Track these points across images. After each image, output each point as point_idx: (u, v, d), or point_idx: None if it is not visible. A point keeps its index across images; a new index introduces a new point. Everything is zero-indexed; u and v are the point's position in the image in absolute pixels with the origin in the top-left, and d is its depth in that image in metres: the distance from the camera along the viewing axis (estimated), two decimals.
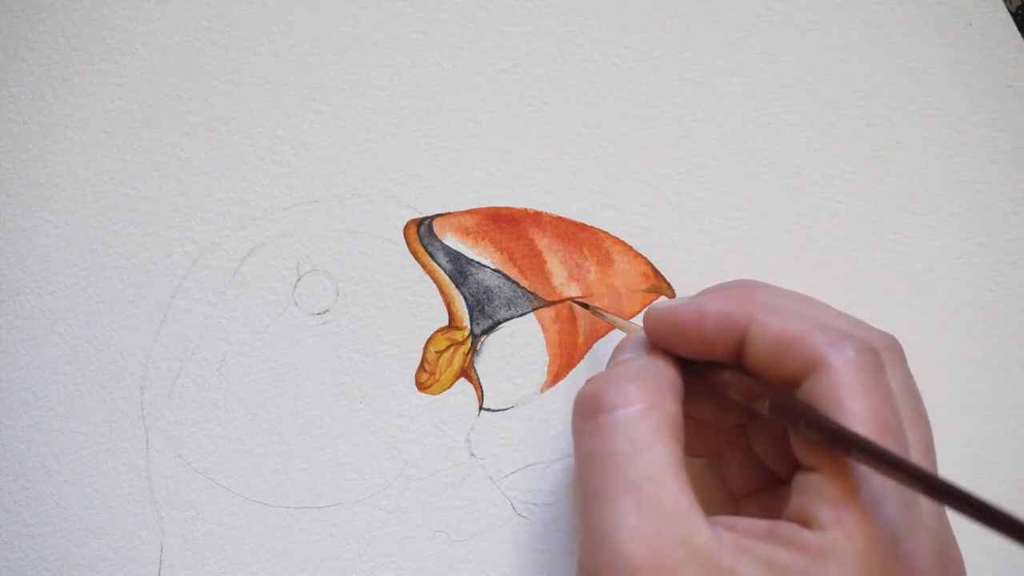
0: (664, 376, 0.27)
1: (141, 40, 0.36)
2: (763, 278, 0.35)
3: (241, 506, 0.35)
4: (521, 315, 0.35)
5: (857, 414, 0.24)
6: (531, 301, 0.35)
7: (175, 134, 0.36)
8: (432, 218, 0.35)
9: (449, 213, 0.35)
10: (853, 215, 0.35)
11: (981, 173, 0.36)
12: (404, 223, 0.35)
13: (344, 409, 0.34)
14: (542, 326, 0.35)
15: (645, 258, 0.35)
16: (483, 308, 0.34)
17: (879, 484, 0.24)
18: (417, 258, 0.35)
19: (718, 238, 0.35)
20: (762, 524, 0.25)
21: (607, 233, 0.35)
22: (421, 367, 0.35)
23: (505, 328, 0.35)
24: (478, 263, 0.34)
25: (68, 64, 0.36)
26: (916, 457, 0.25)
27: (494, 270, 0.34)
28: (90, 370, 0.35)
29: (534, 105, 0.36)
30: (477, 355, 0.35)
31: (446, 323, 0.35)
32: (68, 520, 0.35)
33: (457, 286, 0.34)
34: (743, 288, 0.28)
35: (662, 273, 0.35)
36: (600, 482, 0.25)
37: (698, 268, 0.35)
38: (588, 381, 0.27)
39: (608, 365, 0.30)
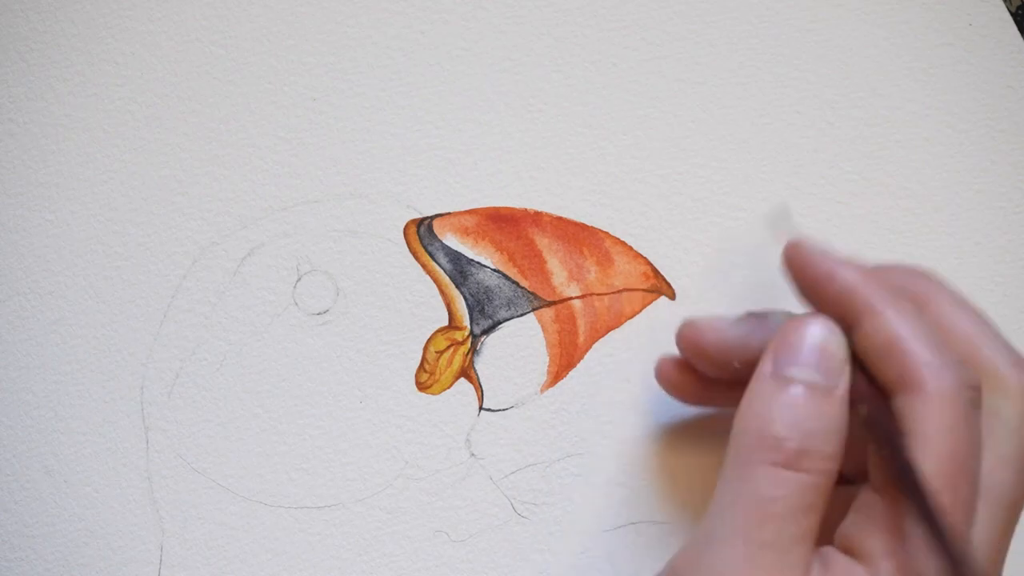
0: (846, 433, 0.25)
1: (141, 40, 0.37)
2: (763, 278, 0.36)
3: (241, 506, 0.35)
4: (521, 315, 0.35)
5: (936, 448, 0.23)
6: (531, 301, 0.35)
7: (175, 134, 0.36)
8: (432, 218, 0.35)
9: (449, 213, 0.35)
10: (853, 215, 0.36)
11: (981, 173, 0.36)
12: (404, 223, 0.35)
13: (344, 409, 0.34)
14: (542, 326, 0.35)
15: (645, 258, 0.35)
16: (483, 308, 0.35)
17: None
18: (417, 258, 0.35)
19: (718, 238, 0.36)
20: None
21: (607, 233, 0.35)
22: (421, 367, 0.35)
23: (505, 328, 0.35)
24: (478, 263, 0.35)
25: (68, 64, 0.37)
26: (991, 511, 0.25)
27: (494, 270, 0.35)
28: (90, 370, 0.35)
29: (534, 105, 0.36)
30: (477, 355, 0.35)
31: (446, 323, 0.35)
32: (68, 520, 0.35)
33: (457, 286, 0.35)
34: (909, 275, 0.27)
35: (662, 273, 0.35)
36: (759, 528, 0.24)
37: (698, 268, 0.35)
38: (776, 414, 0.25)
39: (788, 361, 0.26)
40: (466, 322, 0.34)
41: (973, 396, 0.24)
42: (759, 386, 0.25)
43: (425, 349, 0.35)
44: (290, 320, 0.35)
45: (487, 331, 0.35)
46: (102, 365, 0.35)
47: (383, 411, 0.34)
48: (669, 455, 0.35)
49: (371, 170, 0.36)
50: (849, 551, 0.25)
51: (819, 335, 0.25)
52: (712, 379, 0.29)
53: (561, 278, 0.35)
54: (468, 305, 0.35)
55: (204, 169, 0.36)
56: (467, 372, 0.35)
